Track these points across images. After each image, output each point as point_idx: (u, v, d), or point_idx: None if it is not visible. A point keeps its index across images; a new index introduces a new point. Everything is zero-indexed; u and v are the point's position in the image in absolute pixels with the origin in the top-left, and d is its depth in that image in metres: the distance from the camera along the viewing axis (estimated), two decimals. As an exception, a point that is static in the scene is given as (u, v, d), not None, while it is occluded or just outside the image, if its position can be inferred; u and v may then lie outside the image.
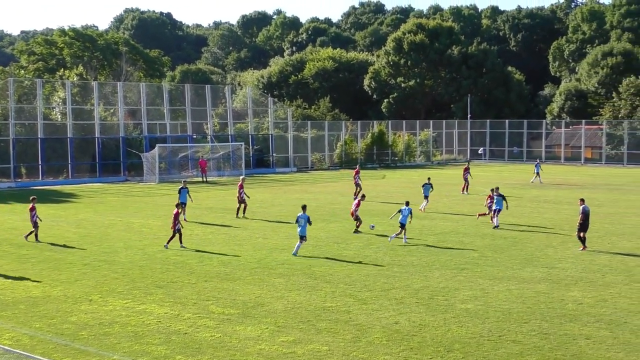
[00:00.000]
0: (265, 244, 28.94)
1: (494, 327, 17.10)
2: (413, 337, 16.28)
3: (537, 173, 60.61)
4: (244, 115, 79.85)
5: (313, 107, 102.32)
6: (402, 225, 29.15)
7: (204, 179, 62.12)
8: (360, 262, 25.06)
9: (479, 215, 36.34)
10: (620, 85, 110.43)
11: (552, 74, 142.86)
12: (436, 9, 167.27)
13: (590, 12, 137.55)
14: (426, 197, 40.58)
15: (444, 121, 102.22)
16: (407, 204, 29.88)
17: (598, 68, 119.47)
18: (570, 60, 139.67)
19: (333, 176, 68.02)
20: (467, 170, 52.29)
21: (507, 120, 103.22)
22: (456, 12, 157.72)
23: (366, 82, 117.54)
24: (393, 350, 15.31)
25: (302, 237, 26.50)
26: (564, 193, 50.30)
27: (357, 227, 32.18)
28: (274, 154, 77.63)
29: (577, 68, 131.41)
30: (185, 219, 34.94)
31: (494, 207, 34.12)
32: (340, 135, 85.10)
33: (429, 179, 42.52)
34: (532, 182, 59.77)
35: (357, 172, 49.15)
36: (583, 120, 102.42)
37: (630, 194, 50.55)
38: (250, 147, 75.53)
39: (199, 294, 20.42)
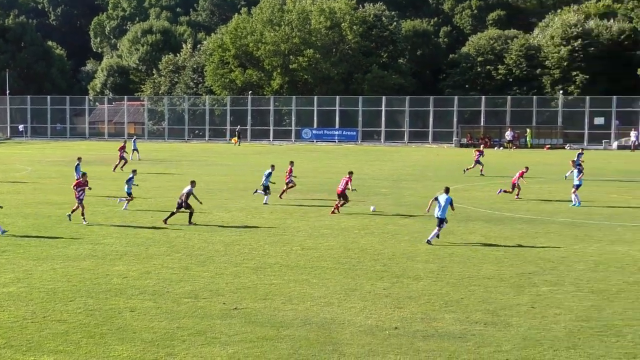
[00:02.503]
0: None
1: (39, 308, 16.74)
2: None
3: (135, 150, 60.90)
4: None
5: None
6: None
7: None
8: None
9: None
10: (159, 62, 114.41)
11: (94, 50, 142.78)
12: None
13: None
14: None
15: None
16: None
17: (139, 45, 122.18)
18: (111, 37, 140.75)
19: None
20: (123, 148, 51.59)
21: (48, 97, 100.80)
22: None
23: None
24: None
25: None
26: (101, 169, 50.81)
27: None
28: None
29: (118, 44, 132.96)
30: None
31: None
32: None
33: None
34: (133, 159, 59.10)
35: None
36: (125, 97, 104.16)
37: (173, 168, 52.98)
38: None
39: None
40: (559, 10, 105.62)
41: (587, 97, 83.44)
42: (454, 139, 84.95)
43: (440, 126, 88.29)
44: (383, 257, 22.54)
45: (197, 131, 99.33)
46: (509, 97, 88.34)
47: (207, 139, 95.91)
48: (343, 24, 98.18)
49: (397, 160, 62.21)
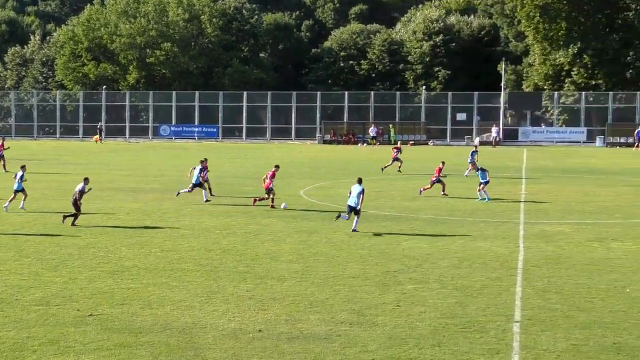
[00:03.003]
0: None
1: None
2: None
3: None
4: None
5: None
6: None
7: None
8: None
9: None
10: (5, 55, 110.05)
11: None
12: None
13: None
14: None
15: None
16: None
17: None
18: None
19: None
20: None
21: None
22: None
23: None
24: None
25: None
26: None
27: None
28: None
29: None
30: None
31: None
32: None
33: None
34: None
35: None
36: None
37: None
38: None
39: None
40: (420, 6, 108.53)
41: (450, 93, 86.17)
42: (317, 135, 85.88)
43: (303, 122, 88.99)
44: (246, 257, 22.51)
45: (47, 128, 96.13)
46: (372, 92, 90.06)
47: (58, 136, 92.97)
48: (202, 17, 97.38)
49: (260, 157, 62.31)
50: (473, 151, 46.79)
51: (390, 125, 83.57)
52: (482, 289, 18.89)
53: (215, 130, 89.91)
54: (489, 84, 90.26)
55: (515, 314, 16.65)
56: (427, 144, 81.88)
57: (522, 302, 17.67)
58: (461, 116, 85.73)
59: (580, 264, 21.72)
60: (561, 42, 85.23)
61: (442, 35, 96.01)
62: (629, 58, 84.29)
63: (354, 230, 26.64)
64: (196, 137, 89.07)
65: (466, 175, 44.36)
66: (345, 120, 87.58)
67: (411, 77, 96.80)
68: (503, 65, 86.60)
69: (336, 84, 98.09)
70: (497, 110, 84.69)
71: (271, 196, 32.60)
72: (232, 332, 15.29)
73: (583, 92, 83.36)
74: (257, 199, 33.30)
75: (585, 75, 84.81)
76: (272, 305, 17.29)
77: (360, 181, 27.33)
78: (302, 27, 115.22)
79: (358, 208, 26.87)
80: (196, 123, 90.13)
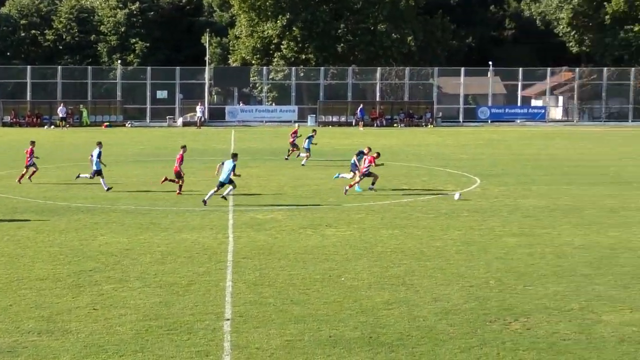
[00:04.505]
0: None
1: None
2: None
3: None
4: None
5: None
6: None
7: None
8: None
9: None
10: None
11: None
12: None
13: None
14: None
15: None
16: None
17: None
18: None
19: None
20: None
21: None
22: None
23: None
24: None
25: None
26: None
27: None
28: None
29: None
30: None
31: None
32: None
33: None
34: None
35: None
36: None
37: None
38: None
39: None
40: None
41: (149, 68, 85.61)
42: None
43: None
44: None
45: None
46: (59, 67, 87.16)
47: None
48: None
49: None
50: (310, 135, 45.97)
51: (82, 105, 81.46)
52: (189, 285, 19.05)
53: None
54: (193, 58, 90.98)
55: (226, 311, 16.97)
56: (124, 125, 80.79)
57: (233, 297, 18.04)
58: (162, 94, 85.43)
59: (294, 253, 22.55)
60: (269, 13, 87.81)
61: (138, 2, 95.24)
62: (339, 31, 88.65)
63: (204, 202, 30.23)
64: None
65: (303, 165, 43.91)
66: (28, 99, 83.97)
67: (105, 50, 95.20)
68: (207, 37, 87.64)
69: (17, 56, 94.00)
70: (202, 87, 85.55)
71: (180, 180, 33.85)
72: None
73: (293, 68, 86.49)
74: (180, 185, 33.85)
75: (295, 49, 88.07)
76: (-57, 318, 16.31)
77: (233, 156, 31.08)
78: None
79: (224, 182, 30.50)
80: None
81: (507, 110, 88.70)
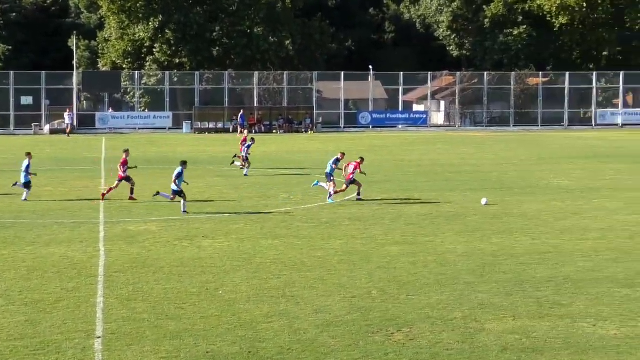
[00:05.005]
0: None
1: None
2: None
3: None
4: None
5: None
6: None
7: None
8: None
9: None
10: None
11: None
12: None
13: None
14: None
15: None
16: None
17: None
18: None
19: None
20: None
21: None
22: None
23: None
24: None
25: None
26: None
27: None
28: None
29: None
30: None
31: None
32: None
33: None
34: None
35: None
36: None
37: None
38: None
39: None
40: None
41: (12, 73, 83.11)
42: None
43: None
44: None
45: None
46: None
47: None
48: None
49: None
50: (249, 144, 44.69)
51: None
52: (57, 302, 18.63)
53: None
54: (60, 62, 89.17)
55: (97, 329, 16.67)
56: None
57: (105, 314, 17.73)
58: (27, 100, 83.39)
59: (169, 266, 22.33)
60: (140, 15, 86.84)
61: (1, 4, 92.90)
62: (215, 34, 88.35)
63: (184, 212, 31.05)
64: None
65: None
66: None
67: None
68: (75, 40, 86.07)
69: None
70: (70, 93, 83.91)
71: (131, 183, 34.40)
72: None
73: (167, 72, 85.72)
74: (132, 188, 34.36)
75: (169, 52, 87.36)
76: None
77: (182, 163, 31.65)
78: None
79: (178, 189, 31.30)
80: None
81: (388, 115, 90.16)
